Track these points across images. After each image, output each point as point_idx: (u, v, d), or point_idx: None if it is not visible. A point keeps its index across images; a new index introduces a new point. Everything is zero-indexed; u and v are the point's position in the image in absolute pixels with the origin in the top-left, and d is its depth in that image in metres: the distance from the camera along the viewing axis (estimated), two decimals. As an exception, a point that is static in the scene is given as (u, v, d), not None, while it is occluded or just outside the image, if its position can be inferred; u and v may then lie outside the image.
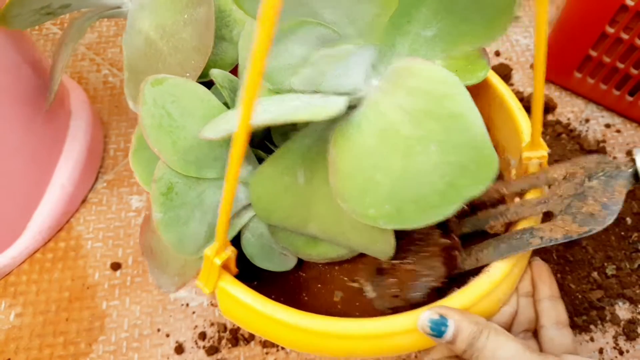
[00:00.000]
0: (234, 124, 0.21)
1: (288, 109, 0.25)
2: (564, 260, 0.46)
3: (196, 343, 0.43)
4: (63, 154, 0.49)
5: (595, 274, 0.45)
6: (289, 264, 0.34)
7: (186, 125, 0.29)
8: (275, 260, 0.34)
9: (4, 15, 0.37)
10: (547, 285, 0.30)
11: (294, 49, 0.27)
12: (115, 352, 0.42)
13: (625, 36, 0.48)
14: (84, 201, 0.51)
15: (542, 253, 0.46)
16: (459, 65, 0.32)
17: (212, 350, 0.42)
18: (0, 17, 0.37)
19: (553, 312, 0.29)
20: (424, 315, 0.26)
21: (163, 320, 0.44)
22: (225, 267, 0.28)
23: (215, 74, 0.31)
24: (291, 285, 0.35)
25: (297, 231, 0.31)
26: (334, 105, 0.23)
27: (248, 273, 0.33)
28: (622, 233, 0.47)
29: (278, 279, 0.35)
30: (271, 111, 0.24)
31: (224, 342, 0.43)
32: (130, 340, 0.43)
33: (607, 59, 0.52)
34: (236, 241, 0.33)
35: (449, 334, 0.25)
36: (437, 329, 0.25)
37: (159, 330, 0.43)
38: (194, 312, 0.44)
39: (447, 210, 0.24)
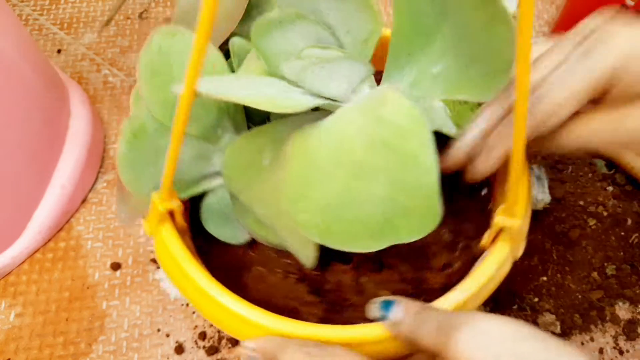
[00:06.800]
0: (205, 87, 0.22)
1: (255, 92, 0.25)
2: (564, 260, 0.46)
3: (196, 343, 0.43)
4: (63, 154, 0.49)
5: (595, 274, 0.45)
6: (239, 238, 0.34)
7: (180, 77, 0.30)
8: (227, 230, 0.34)
9: None
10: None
11: (293, 39, 0.27)
12: (115, 352, 0.42)
13: (625, 36, 0.48)
14: (84, 201, 0.51)
15: (541, 253, 0.46)
16: (457, 109, 0.32)
17: (212, 350, 0.42)
18: None
19: None
20: (375, 300, 0.27)
21: (163, 320, 0.44)
22: (173, 218, 0.30)
23: (234, 42, 0.32)
24: (236, 262, 0.35)
25: (247, 207, 0.31)
26: (294, 103, 0.23)
27: (206, 236, 0.34)
28: (622, 233, 0.47)
29: (228, 250, 0.35)
30: (237, 89, 0.25)
31: (224, 342, 0.43)
32: (130, 340, 0.43)
33: (607, 59, 0.52)
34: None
35: (399, 309, 0.25)
36: (386, 307, 0.26)
37: (159, 330, 0.43)
38: (194, 312, 0.44)
39: (377, 245, 0.24)
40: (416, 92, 0.27)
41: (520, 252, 0.29)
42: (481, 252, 0.30)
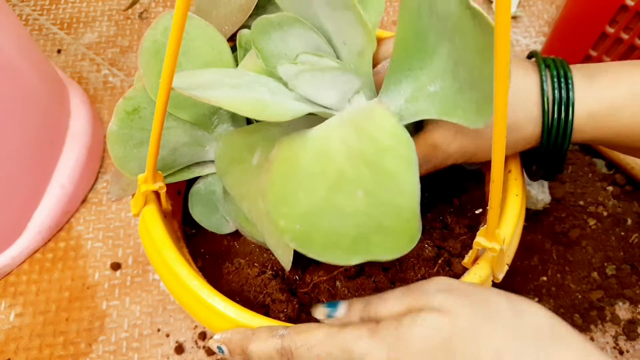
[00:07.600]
0: (181, 83, 0.22)
1: (243, 94, 0.25)
2: (564, 260, 0.46)
3: (196, 343, 0.43)
4: (63, 154, 0.49)
5: (595, 274, 0.45)
6: (223, 229, 0.35)
7: (182, 64, 0.29)
8: (212, 219, 0.35)
9: None
10: None
11: (291, 42, 0.27)
12: (115, 352, 0.42)
13: (625, 36, 0.48)
14: (84, 201, 0.51)
15: (541, 253, 0.46)
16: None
17: (212, 350, 0.42)
18: None
19: None
20: (322, 304, 0.28)
21: (163, 320, 0.44)
22: (159, 199, 0.30)
23: (243, 34, 0.32)
24: (220, 251, 0.35)
25: (236, 202, 0.32)
26: (278, 111, 0.23)
27: (195, 222, 0.35)
28: (622, 233, 0.47)
29: (215, 239, 0.35)
30: (222, 88, 0.25)
31: (224, 342, 0.43)
32: (130, 340, 0.43)
33: (607, 59, 0.52)
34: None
35: (343, 307, 0.26)
36: (332, 306, 0.27)
37: (159, 330, 0.43)
38: (194, 312, 0.44)
39: (351, 259, 0.24)
40: (412, 107, 0.27)
41: (501, 275, 0.28)
42: (464, 270, 0.29)
